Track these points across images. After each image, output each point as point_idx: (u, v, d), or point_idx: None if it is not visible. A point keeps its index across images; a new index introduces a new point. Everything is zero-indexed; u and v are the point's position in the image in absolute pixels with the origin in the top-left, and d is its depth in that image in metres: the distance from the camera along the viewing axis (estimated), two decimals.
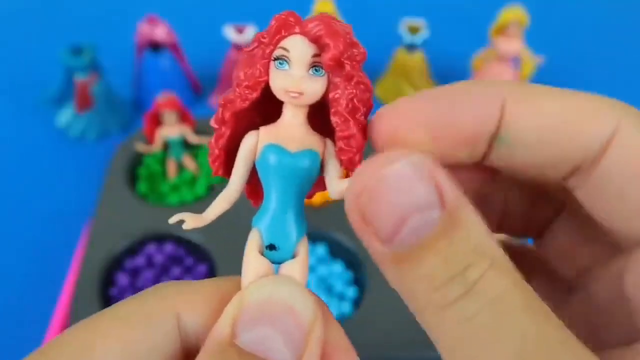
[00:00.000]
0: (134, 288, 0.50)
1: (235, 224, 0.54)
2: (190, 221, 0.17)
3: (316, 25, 0.15)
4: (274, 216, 0.16)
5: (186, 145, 0.60)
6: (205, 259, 0.52)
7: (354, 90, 0.16)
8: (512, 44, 0.66)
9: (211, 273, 0.51)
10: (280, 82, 0.16)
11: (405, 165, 0.13)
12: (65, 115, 0.67)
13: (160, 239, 0.53)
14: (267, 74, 0.16)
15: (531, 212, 0.20)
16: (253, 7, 0.85)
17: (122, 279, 0.50)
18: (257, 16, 0.72)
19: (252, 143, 0.16)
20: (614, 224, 0.16)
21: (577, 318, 0.18)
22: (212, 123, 0.17)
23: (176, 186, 0.59)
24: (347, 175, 0.17)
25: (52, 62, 0.66)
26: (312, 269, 0.51)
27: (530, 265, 0.20)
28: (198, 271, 0.51)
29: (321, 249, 0.52)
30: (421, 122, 0.15)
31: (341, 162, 0.16)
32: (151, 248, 0.52)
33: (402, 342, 0.46)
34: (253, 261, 0.16)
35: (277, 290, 0.15)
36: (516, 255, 0.15)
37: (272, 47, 0.16)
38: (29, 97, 0.71)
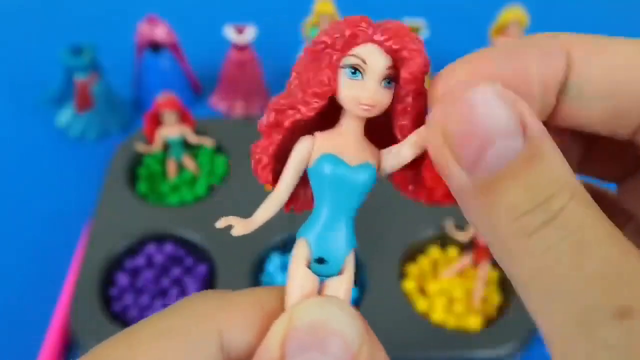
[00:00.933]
0: (134, 288, 0.50)
1: None
2: (240, 227, 0.16)
3: (392, 36, 0.15)
4: (325, 228, 0.15)
5: (186, 145, 0.60)
6: (205, 259, 0.52)
7: (423, 104, 0.15)
8: None
9: (211, 273, 0.51)
10: (354, 92, 0.15)
11: (490, 91, 0.13)
12: (65, 115, 0.67)
13: (160, 239, 0.53)
14: (336, 81, 0.15)
15: (610, 163, 0.20)
16: (253, 7, 0.85)
17: (122, 279, 0.50)
18: (257, 16, 0.73)
19: (307, 149, 0.16)
20: None
21: None
22: (263, 128, 0.16)
23: (176, 186, 0.59)
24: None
25: (52, 62, 0.66)
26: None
27: (608, 210, 0.20)
28: (198, 271, 0.51)
29: None
30: (487, 76, 0.15)
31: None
32: (151, 248, 0.52)
33: (402, 342, 0.46)
34: (300, 275, 0.15)
35: (326, 313, 0.15)
36: (594, 198, 0.15)
37: (342, 54, 0.15)
38: (29, 97, 0.71)
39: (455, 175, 0.14)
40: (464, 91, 0.14)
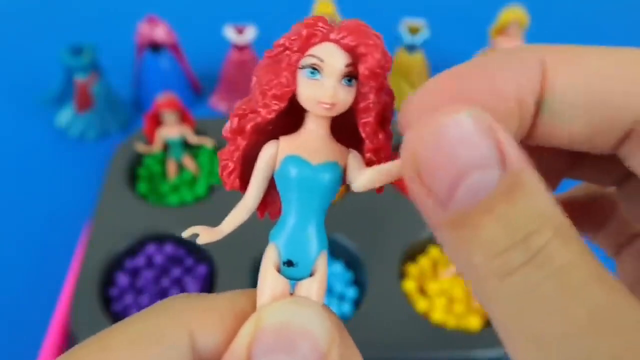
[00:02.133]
0: (134, 288, 0.50)
1: None
2: (205, 235, 0.16)
3: (350, 33, 0.15)
4: (293, 231, 0.15)
5: (186, 145, 0.60)
6: (205, 259, 0.52)
7: (385, 100, 0.15)
8: (512, 44, 0.66)
9: (211, 273, 0.51)
10: (312, 92, 0.15)
11: (466, 117, 0.12)
12: (65, 116, 0.67)
13: (160, 239, 0.53)
14: (295, 82, 0.15)
15: (597, 172, 0.19)
16: (253, 7, 0.85)
17: (122, 279, 0.50)
18: (257, 16, 0.73)
19: (272, 153, 0.15)
20: None
21: None
22: (226, 134, 0.16)
23: (176, 186, 0.59)
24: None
25: (52, 62, 0.66)
26: None
27: (603, 213, 0.19)
28: (198, 271, 0.51)
29: None
30: (459, 98, 0.14)
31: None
32: (151, 248, 0.52)
33: (402, 342, 0.46)
34: (269, 279, 0.15)
35: (294, 314, 0.14)
36: (589, 203, 0.15)
37: (300, 54, 0.15)
38: (29, 97, 0.71)
39: (429, 209, 0.13)
40: (436, 116, 0.13)
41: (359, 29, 0.15)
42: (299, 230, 0.15)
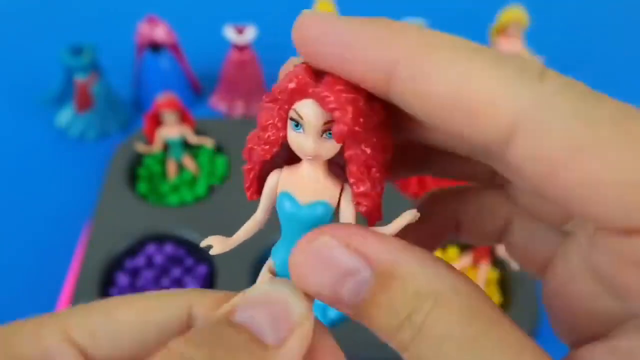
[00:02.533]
0: (134, 288, 0.50)
1: (235, 225, 0.54)
2: (218, 246, 0.18)
3: (327, 95, 0.15)
4: (286, 254, 0.17)
5: (186, 145, 0.60)
6: (205, 259, 0.52)
7: (367, 151, 0.16)
8: (512, 45, 0.66)
9: (211, 273, 0.51)
10: (297, 143, 0.16)
11: (326, 239, 0.15)
12: (65, 116, 0.67)
13: (160, 239, 0.53)
14: (285, 129, 0.16)
15: (484, 224, 0.21)
16: (253, 8, 0.85)
17: (122, 279, 0.50)
18: (257, 16, 0.73)
19: (274, 183, 0.17)
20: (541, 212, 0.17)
21: (554, 310, 0.18)
22: (244, 156, 0.18)
23: (176, 186, 0.59)
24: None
25: (52, 62, 0.66)
26: None
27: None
28: (198, 271, 0.51)
29: None
30: (326, 44, 0.15)
31: (360, 212, 0.17)
32: (151, 248, 0.52)
33: None
34: (263, 279, 0.18)
35: (276, 287, 0.16)
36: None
37: (287, 107, 0.16)
38: (29, 97, 0.71)
39: (339, 308, 0.15)
40: (306, 243, 0.15)
41: (334, 89, 0.15)
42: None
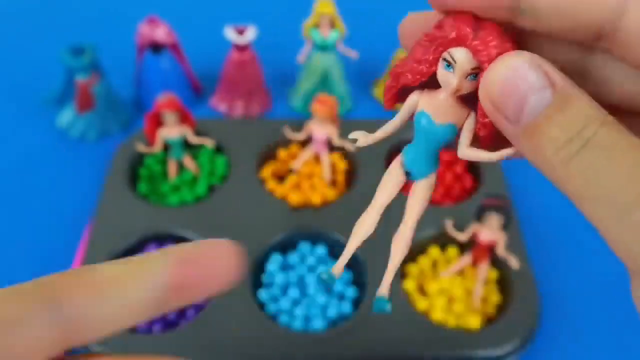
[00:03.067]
0: None
1: (234, 225, 0.54)
2: (362, 139, 0.21)
3: (481, 49, 0.18)
4: (416, 154, 0.21)
5: (187, 145, 0.60)
6: None
7: None
8: None
9: None
10: (444, 79, 0.20)
11: (518, 60, 0.17)
12: (66, 116, 0.67)
13: (160, 239, 0.53)
14: (436, 66, 0.20)
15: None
16: (253, 8, 0.85)
17: None
18: (257, 16, 0.73)
19: (415, 101, 0.21)
20: None
21: None
22: (389, 75, 0.21)
23: (177, 186, 0.59)
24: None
25: (53, 62, 0.66)
26: (312, 269, 0.51)
27: None
28: None
29: (321, 249, 0.52)
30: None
31: (478, 137, 0.20)
32: (151, 248, 0.52)
33: (402, 341, 0.46)
34: (394, 170, 0.22)
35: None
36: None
37: (441, 49, 0.19)
38: (29, 97, 0.71)
39: (508, 128, 0.18)
40: (501, 63, 0.18)
41: (488, 44, 0.18)
42: (419, 155, 0.21)
